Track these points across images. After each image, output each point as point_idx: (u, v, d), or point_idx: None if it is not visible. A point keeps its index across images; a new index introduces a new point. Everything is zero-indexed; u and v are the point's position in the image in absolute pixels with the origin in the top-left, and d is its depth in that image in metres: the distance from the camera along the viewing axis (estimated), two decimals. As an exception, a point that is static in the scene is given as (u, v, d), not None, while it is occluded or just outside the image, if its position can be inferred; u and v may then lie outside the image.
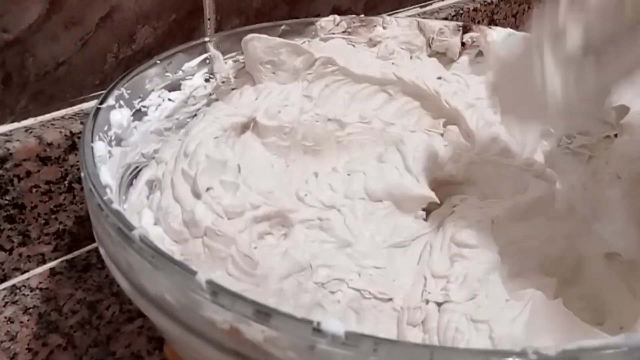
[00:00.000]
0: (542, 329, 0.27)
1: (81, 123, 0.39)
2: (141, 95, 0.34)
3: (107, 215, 0.23)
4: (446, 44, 0.45)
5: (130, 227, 0.22)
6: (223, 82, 0.39)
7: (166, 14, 0.42)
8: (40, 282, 0.39)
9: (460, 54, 0.46)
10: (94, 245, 0.41)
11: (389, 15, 0.52)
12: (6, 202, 0.36)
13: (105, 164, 0.28)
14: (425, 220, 0.36)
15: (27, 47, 0.36)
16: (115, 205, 0.23)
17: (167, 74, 0.36)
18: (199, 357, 0.24)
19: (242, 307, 0.19)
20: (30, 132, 0.37)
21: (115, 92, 0.32)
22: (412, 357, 0.18)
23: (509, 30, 0.45)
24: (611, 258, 0.34)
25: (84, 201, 0.40)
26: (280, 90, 0.39)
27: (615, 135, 0.38)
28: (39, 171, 0.37)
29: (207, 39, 0.39)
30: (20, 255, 0.38)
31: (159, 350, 0.36)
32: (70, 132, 0.38)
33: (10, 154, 0.35)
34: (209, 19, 0.45)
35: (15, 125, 0.38)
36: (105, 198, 0.24)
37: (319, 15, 0.50)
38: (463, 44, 0.46)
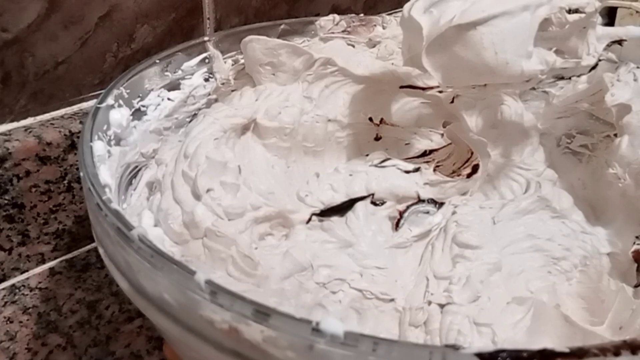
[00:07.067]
0: (543, 333, 0.27)
1: (80, 122, 0.39)
2: (140, 95, 0.34)
3: (106, 214, 0.23)
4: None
5: (129, 227, 0.22)
6: (223, 83, 0.39)
7: (165, 13, 0.42)
8: (40, 282, 0.39)
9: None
10: (93, 245, 0.41)
11: (388, 14, 0.52)
12: (5, 201, 0.36)
13: (105, 164, 0.28)
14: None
15: (26, 46, 0.36)
16: (114, 205, 0.23)
17: (166, 73, 0.36)
18: (198, 357, 0.24)
19: (241, 307, 0.19)
20: (30, 132, 0.37)
21: (115, 92, 0.32)
22: (411, 357, 0.18)
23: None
24: (611, 258, 0.34)
25: (83, 201, 0.40)
26: (280, 92, 0.39)
27: (615, 135, 0.38)
28: (38, 171, 0.37)
29: (206, 38, 0.39)
30: (19, 255, 0.38)
31: (158, 350, 0.35)
32: (70, 131, 0.38)
33: (10, 153, 0.35)
34: (208, 18, 0.45)
35: (15, 124, 0.38)
36: (104, 197, 0.24)
37: (318, 15, 0.50)
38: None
